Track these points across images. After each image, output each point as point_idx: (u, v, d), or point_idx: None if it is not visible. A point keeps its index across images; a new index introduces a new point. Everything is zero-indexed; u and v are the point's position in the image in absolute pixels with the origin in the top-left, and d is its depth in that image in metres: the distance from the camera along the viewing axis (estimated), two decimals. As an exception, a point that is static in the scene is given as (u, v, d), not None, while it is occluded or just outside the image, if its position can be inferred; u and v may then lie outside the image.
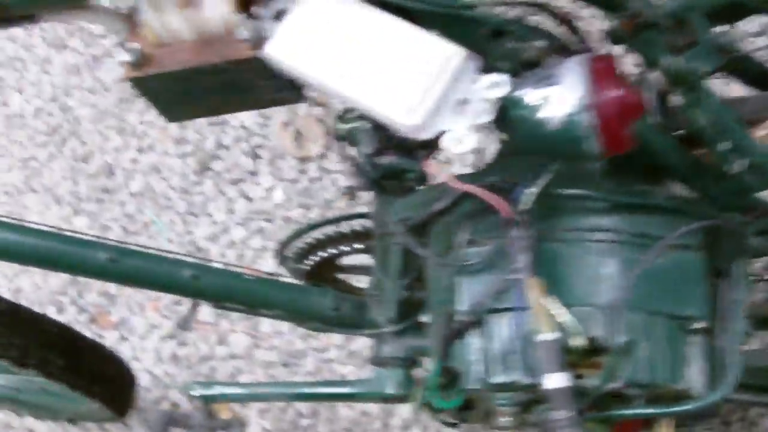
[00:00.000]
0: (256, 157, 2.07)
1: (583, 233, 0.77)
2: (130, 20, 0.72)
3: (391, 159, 0.87)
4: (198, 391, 1.34)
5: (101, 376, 1.60)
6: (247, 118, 2.11)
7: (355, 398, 1.42)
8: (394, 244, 0.89)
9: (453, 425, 0.94)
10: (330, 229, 1.39)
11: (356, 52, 0.64)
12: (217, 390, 1.37)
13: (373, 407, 1.79)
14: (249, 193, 2.03)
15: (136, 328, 1.95)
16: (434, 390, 0.78)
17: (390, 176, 0.87)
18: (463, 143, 0.60)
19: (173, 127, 2.13)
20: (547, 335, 0.68)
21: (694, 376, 0.77)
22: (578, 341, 0.71)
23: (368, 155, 0.85)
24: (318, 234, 1.39)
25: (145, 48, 0.70)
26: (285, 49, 0.65)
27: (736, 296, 0.77)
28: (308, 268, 1.45)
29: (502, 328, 0.77)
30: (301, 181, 2.02)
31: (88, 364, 1.58)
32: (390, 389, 1.35)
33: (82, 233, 1.27)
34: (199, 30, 0.69)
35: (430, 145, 0.89)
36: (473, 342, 0.78)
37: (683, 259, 0.78)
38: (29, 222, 1.22)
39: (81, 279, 2.00)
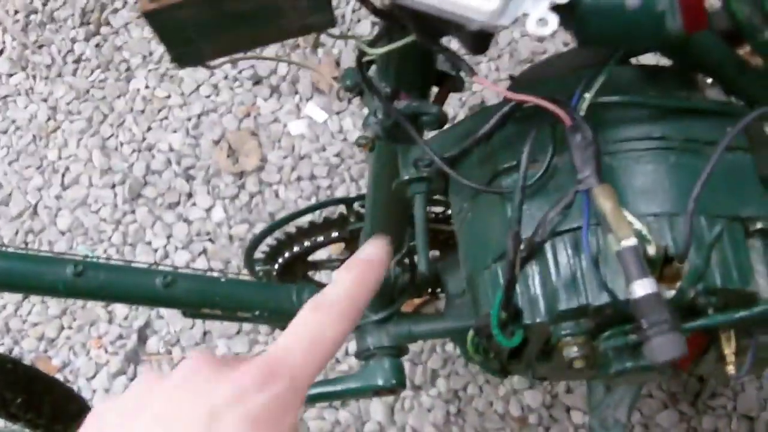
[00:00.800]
0: (189, 178, 1.99)
1: (633, 143, 0.74)
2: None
3: (407, 102, 0.83)
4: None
5: (62, 414, 1.50)
6: (176, 140, 2.05)
7: (345, 396, 1.37)
8: (419, 194, 0.84)
9: (501, 373, 0.90)
10: (302, 222, 1.34)
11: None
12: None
13: (345, 416, 1.73)
14: (187, 216, 1.95)
15: (82, 369, 1.84)
16: (496, 327, 0.73)
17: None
18: (548, 24, 0.56)
19: (98, 158, 2.05)
20: (629, 240, 0.64)
21: (760, 278, 0.74)
22: (652, 250, 0.68)
23: (387, 97, 0.81)
24: (289, 228, 1.33)
25: (163, -25, 0.64)
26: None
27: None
28: (279, 268, 1.39)
29: (566, 250, 0.73)
30: (240, 197, 1.96)
31: (48, 402, 1.47)
32: (381, 381, 1.31)
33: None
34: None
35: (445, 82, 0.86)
36: (533, 272, 0.74)
37: (734, 161, 0.75)
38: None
39: (14, 326, 1.89)
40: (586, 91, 0.70)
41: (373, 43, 0.71)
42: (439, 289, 1.50)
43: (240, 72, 2.10)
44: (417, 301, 1.79)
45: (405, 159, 0.85)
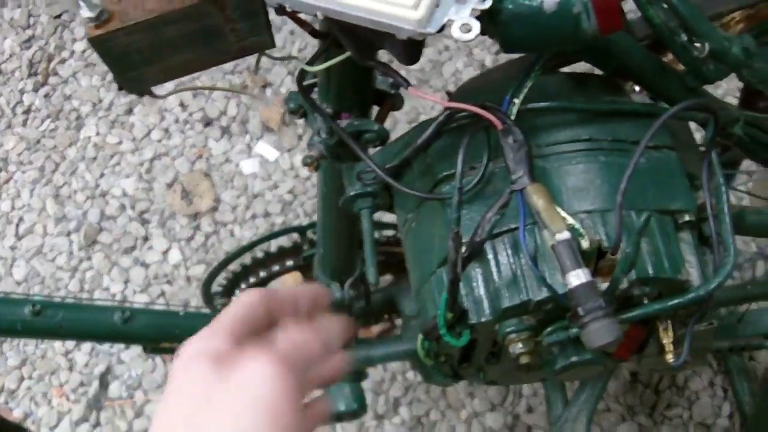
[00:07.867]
0: (144, 222, 2.01)
1: (563, 146, 0.78)
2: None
3: (349, 121, 0.86)
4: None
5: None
6: (129, 185, 2.06)
7: (307, 423, 1.38)
8: (365, 209, 0.87)
9: (453, 377, 0.92)
10: (257, 253, 1.36)
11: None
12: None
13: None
14: (144, 259, 1.96)
15: (44, 419, 1.83)
16: (444, 328, 0.76)
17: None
18: (471, 31, 0.60)
19: (51, 207, 2.06)
20: (563, 234, 0.68)
21: (691, 268, 0.78)
22: (586, 244, 0.71)
23: (329, 117, 0.84)
24: (245, 260, 1.35)
25: (109, 4, 0.67)
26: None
27: (717, 182, 0.79)
28: (237, 300, 1.40)
29: (505, 250, 0.76)
30: (196, 238, 1.97)
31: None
32: (342, 406, 1.33)
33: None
34: (166, -25, 0.67)
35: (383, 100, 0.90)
36: (476, 273, 0.77)
37: (660, 158, 0.80)
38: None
39: (-27, 381, 1.88)
40: (515, 96, 0.74)
41: (311, 62, 0.74)
42: (394, 314, 1.52)
43: (190, 115, 2.13)
44: (375, 329, 1.81)
45: (350, 176, 0.88)
